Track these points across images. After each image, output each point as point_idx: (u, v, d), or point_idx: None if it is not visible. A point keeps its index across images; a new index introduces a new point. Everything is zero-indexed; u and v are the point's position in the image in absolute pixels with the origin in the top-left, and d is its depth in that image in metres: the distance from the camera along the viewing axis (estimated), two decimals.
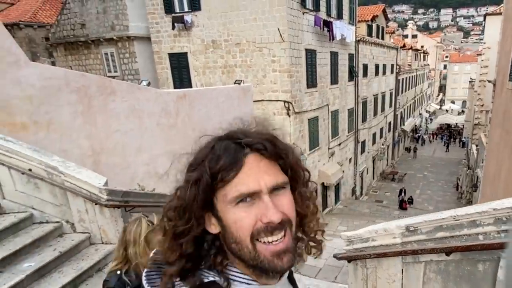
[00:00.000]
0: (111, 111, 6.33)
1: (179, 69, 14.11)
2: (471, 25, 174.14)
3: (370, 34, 20.06)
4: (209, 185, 0.65)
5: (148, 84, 12.12)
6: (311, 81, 13.28)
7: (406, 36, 55.21)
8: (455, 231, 2.12)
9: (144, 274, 0.75)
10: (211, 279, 0.68)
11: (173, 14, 13.31)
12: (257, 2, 11.62)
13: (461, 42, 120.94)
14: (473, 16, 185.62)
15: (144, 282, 0.74)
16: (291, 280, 0.84)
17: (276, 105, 12.23)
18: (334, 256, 3.36)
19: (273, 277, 0.70)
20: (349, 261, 3.23)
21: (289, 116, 12.11)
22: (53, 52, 18.34)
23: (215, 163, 0.65)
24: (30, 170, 3.77)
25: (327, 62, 14.42)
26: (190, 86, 13.93)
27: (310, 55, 12.99)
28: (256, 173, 0.65)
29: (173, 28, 13.35)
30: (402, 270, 2.51)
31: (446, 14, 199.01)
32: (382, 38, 22.71)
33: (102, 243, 4.10)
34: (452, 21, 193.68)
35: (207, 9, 12.68)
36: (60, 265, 3.66)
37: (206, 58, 13.31)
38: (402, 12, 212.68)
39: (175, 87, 14.28)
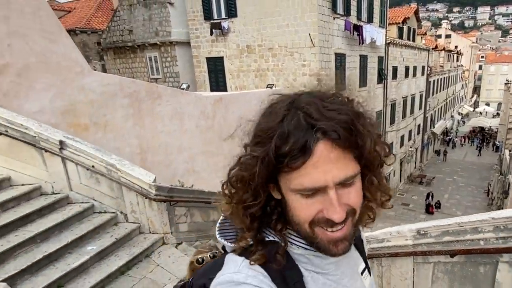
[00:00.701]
0: (157, 114, 6.77)
1: (216, 72, 14.52)
2: (510, 23, 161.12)
3: (401, 36, 19.38)
4: (274, 165, 0.59)
5: (188, 87, 12.66)
6: (340, 84, 13.14)
7: (440, 36, 52.44)
8: (460, 236, 2.28)
9: (217, 225, 0.74)
10: (271, 238, 0.67)
11: (211, 21, 13.71)
12: (290, 9, 11.69)
13: (499, 42, 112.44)
14: None
15: (217, 233, 0.74)
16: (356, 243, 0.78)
17: None
18: None
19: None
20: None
21: None
22: (104, 56, 19.47)
23: (282, 143, 0.58)
24: (93, 166, 4.23)
25: (356, 66, 14.21)
26: (225, 89, 14.33)
27: (340, 58, 12.88)
28: (324, 166, 0.57)
29: (211, 34, 13.75)
30: (413, 269, 2.66)
31: (483, 12, 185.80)
32: (413, 40, 21.84)
33: (150, 232, 4.50)
34: (489, 19, 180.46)
35: (243, 15, 12.93)
36: (116, 249, 4.09)
37: (241, 62, 13.60)
38: (436, 10, 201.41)
39: (211, 89, 14.74)
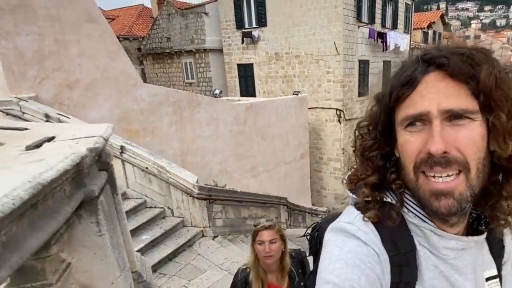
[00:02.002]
0: (196, 120, 7.30)
1: (245, 78, 14.95)
2: None
3: (425, 41, 18.82)
4: (388, 104, 0.59)
5: (220, 92, 13.21)
6: (363, 90, 13.15)
7: (468, 37, 49.57)
8: None
9: (347, 176, 0.74)
10: (389, 200, 0.63)
11: (243, 30, 14.13)
12: (317, 19, 11.85)
13: None
14: None
15: (344, 183, 0.73)
16: (491, 245, 0.66)
17: (329, 112, 12.41)
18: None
19: (443, 221, 0.59)
20: None
21: (340, 123, 12.22)
22: (143, 61, 20.47)
23: (396, 80, 0.58)
24: (146, 168, 4.78)
25: (379, 71, 14.08)
26: (254, 94, 14.73)
27: (363, 65, 12.86)
28: (430, 94, 0.53)
29: (243, 42, 14.19)
30: None
31: None
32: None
33: (192, 226, 5.01)
34: None
35: (272, 25, 13.24)
36: (164, 239, 4.62)
37: (269, 69, 13.93)
38: (467, 9, 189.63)
39: (241, 94, 15.19)
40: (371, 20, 12.73)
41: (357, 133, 0.69)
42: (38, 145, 0.86)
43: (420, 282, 0.60)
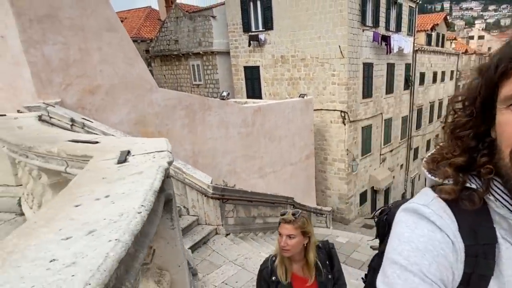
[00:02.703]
0: (207, 123, 7.58)
1: (252, 80, 15.21)
2: None
3: (429, 42, 18.93)
4: (493, 77, 0.54)
5: (228, 95, 13.47)
6: (367, 92, 13.34)
7: (472, 38, 49.42)
8: None
9: (425, 157, 0.68)
10: (473, 186, 0.59)
11: (249, 33, 14.37)
12: (322, 23, 12.06)
13: None
14: None
15: (423, 164, 0.68)
16: None
17: (333, 114, 12.63)
18: (371, 247, 4.01)
19: None
20: None
21: (345, 124, 12.43)
22: (151, 63, 20.78)
23: (507, 50, 0.52)
24: None
25: (383, 74, 14.26)
26: (260, 95, 14.98)
27: (367, 68, 13.05)
28: None
29: (249, 45, 14.44)
30: None
31: None
32: (442, 46, 21.15)
33: (206, 224, 5.28)
34: None
35: (279, 28, 13.47)
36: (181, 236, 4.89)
37: (275, 71, 14.17)
38: (471, 9, 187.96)
39: (247, 96, 15.46)
40: (375, 23, 12.91)
41: (450, 108, 0.63)
42: (125, 160, 1.12)
43: (497, 277, 0.55)
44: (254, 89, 15.15)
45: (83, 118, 4.98)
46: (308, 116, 10.77)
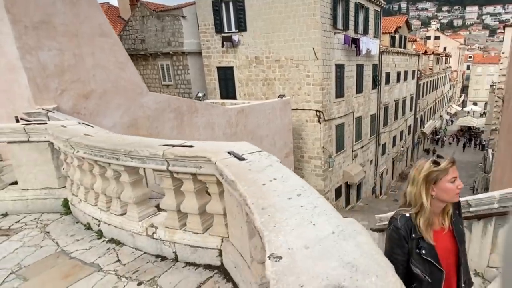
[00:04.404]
0: (195, 125, 8.15)
1: (226, 80, 15.86)
2: (497, 23, 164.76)
3: (393, 44, 20.95)
4: None
5: (204, 96, 14.01)
6: (339, 92, 14.64)
7: (429, 38, 54.34)
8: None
9: None
10: None
11: (222, 34, 15.03)
12: (296, 25, 13.10)
13: (486, 41, 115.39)
14: (500, 13, 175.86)
15: None
16: None
17: (309, 113, 13.72)
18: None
19: None
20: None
21: (320, 123, 13.57)
22: None
23: None
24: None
25: (353, 74, 15.70)
26: (235, 96, 15.69)
27: (339, 69, 14.34)
28: None
29: (223, 46, 15.09)
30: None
31: (471, 12, 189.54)
32: (404, 47, 23.45)
33: None
34: (477, 19, 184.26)
35: (252, 30, 14.29)
36: None
37: (249, 72, 14.97)
38: (426, 9, 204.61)
39: (221, 96, 16.08)
40: (345, 26, 14.25)
41: None
42: (243, 158, 1.78)
43: None
44: (228, 90, 15.82)
45: (84, 123, 5.35)
46: (287, 116, 11.70)
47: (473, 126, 40.05)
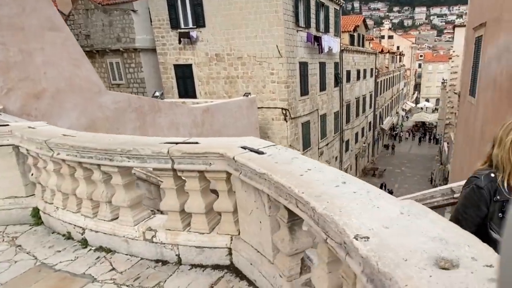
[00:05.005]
0: (158, 125, 8.02)
1: (184, 79, 15.68)
2: (444, 23, 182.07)
3: (352, 43, 22.28)
4: None
5: (162, 95, 13.73)
6: (304, 90, 15.24)
7: (383, 37, 58.44)
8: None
9: None
10: None
11: (179, 30, 14.85)
12: (257, 22, 13.39)
13: (435, 41, 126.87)
14: (445, 14, 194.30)
15: None
16: None
17: (274, 111, 14.09)
18: None
19: None
20: None
21: (286, 121, 14.01)
22: None
23: None
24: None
25: (316, 72, 16.43)
26: (194, 95, 15.56)
27: (303, 67, 14.93)
28: None
29: (180, 42, 14.91)
30: None
31: (420, 13, 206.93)
32: (363, 46, 25.04)
33: None
34: (426, 19, 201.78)
35: (211, 26, 14.32)
36: None
37: (210, 70, 14.97)
38: (378, 9, 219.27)
39: (179, 95, 15.85)
40: (307, 24, 14.88)
41: None
42: (262, 152, 1.89)
43: None
44: (187, 88, 15.66)
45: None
46: (253, 114, 11.93)
47: (427, 122, 43.79)
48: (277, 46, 13.20)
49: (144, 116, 7.61)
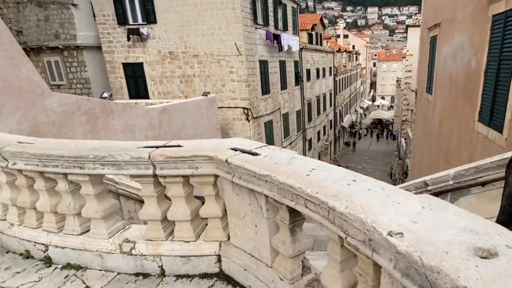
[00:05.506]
0: (111, 128, 7.71)
1: (134, 78, 15.15)
2: (395, 23, 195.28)
3: (310, 41, 23.08)
4: None
5: (110, 96, 13.17)
6: (265, 88, 15.48)
7: (339, 36, 61.29)
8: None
9: None
10: None
11: (127, 26, 14.34)
12: (214, 19, 13.37)
13: (387, 40, 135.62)
14: (396, 15, 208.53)
15: None
16: None
17: (236, 111, 14.14)
18: None
19: None
20: None
21: (249, 121, 14.12)
22: None
23: None
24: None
25: (277, 71, 16.78)
26: (146, 95, 15.11)
27: (263, 65, 15.17)
28: None
29: (129, 39, 14.39)
30: None
31: (372, 13, 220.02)
32: (321, 44, 26.06)
33: None
34: (378, 19, 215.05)
35: (163, 22, 14.02)
36: None
37: (163, 68, 14.63)
38: (332, 8, 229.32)
39: (130, 96, 15.30)
40: (266, 22, 15.15)
41: None
42: (256, 153, 1.88)
43: None
44: (138, 88, 15.15)
45: None
46: (214, 114, 11.88)
47: (384, 119, 46.63)
48: (235, 44, 13.28)
49: (96, 119, 7.25)
